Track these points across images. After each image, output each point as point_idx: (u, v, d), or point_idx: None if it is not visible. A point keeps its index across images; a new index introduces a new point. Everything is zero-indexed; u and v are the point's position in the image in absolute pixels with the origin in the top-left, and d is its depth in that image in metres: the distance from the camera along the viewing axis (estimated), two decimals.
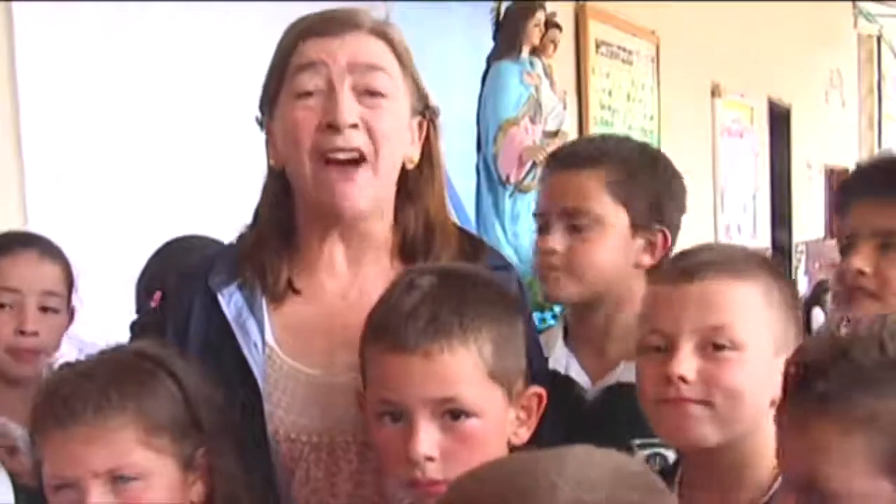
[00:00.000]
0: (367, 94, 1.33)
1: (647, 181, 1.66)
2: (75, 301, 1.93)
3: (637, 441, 1.51)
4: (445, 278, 1.29)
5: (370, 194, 1.34)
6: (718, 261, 1.32)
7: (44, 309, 1.85)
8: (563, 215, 1.64)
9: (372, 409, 1.26)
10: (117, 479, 1.22)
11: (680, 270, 1.33)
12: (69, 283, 1.91)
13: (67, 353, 1.97)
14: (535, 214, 1.72)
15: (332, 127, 1.30)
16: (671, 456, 1.59)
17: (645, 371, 1.33)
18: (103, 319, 2.26)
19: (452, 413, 1.22)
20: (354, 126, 1.31)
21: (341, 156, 1.31)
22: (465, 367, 1.23)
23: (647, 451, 1.55)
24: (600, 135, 1.91)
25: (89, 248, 2.47)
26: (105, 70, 2.56)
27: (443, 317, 1.23)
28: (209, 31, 2.83)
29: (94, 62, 2.53)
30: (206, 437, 1.29)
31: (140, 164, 2.63)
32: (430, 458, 1.21)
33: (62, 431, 1.23)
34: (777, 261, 1.41)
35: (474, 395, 1.23)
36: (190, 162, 2.74)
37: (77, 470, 1.22)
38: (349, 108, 1.31)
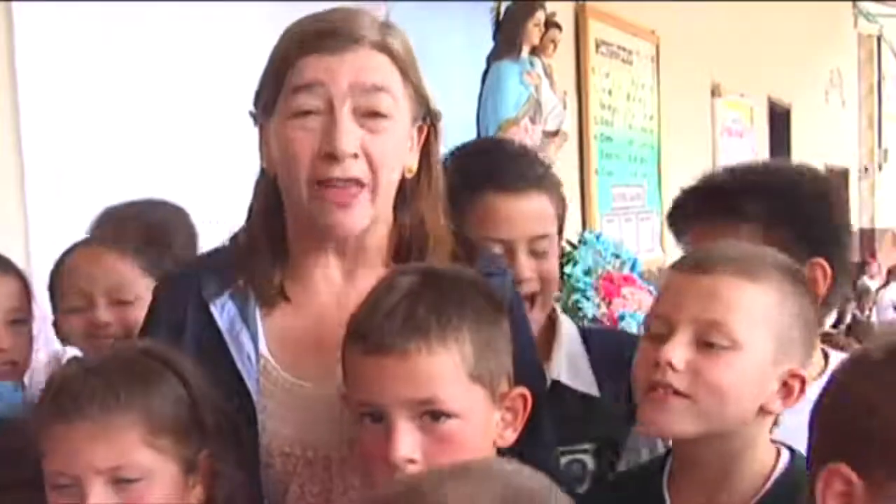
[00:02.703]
0: (369, 115, 1.29)
1: None
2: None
3: (561, 448, 1.53)
4: (426, 278, 1.27)
5: (366, 218, 1.31)
6: (736, 258, 1.31)
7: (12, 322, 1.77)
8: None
9: (353, 410, 1.24)
10: (119, 479, 1.21)
11: (695, 261, 1.34)
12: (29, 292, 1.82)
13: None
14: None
15: (331, 156, 1.27)
16: (589, 462, 1.63)
17: (641, 355, 1.33)
18: None
19: (432, 414, 1.20)
20: (354, 156, 1.27)
21: (339, 184, 1.28)
22: (444, 367, 1.21)
23: (566, 458, 1.59)
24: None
25: None
26: (105, 70, 2.56)
27: (420, 316, 1.21)
28: (209, 31, 2.83)
29: (94, 62, 2.53)
30: (209, 439, 1.28)
31: (140, 163, 2.62)
32: (411, 461, 1.19)
33: (66, 426, 1.22)
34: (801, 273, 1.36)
35: (454, 396, 1.21)
36: (190, 161, 2.74)
37: (79, 467, 1.21)
38: (349, 137, 1.27)
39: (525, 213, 1.65)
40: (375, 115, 1.29)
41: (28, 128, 2.40)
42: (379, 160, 1.29)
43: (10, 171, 2.37)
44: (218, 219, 1.96)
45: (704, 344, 1.27)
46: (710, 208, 1.60)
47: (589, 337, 1.77)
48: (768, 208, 1.56)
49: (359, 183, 1.29)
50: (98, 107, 2.54)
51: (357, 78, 1.28)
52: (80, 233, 2.35)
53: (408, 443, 1.19)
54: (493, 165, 1.66)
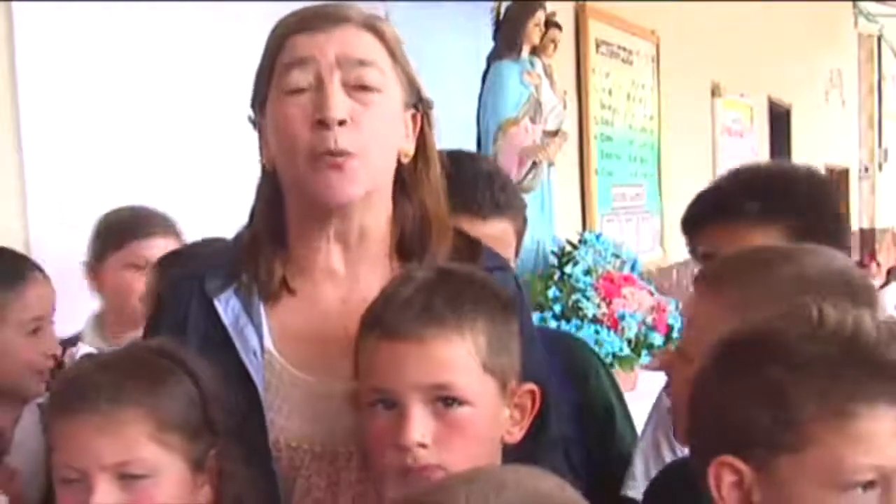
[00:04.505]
0: (358, 88, 1.30)
1: None
2: None
3: None
4: (442, 274, 1.29)
5: (361, 185, 1.31)
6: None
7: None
8: None
9: (364, 399, 1.25)
10: (126, 475, 1.21)
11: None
12: None
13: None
14: None
15: (323, 123, 1.28)
16: None
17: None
18: None
19: (445, 400, 1.22)
20: (343, 122, 1.28)
21: (331, 158, 1.29)
22: (459, 354, 1.23)
23: None
24: None
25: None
26: (105, 70, 2.56)
27: (437, 306, 1.23)
28: (208, 31, 2.83)
29: (94, 62, 2.53)
30: (219, 438, 1.28)
31: (140, 163, 2.63)
32: (423, 445, 1.20)
33: (75, 420, 1.22)
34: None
35: (467, 384, 1.23)
36: (190, 161, 2.74)
37: (86, 461, 1.21)
38: (339, 104, 1.28)
39: (488, 237, 1.67)
40: (364, 88, 1.30)
41: (28, 128, 2.40)
42: (369, 130, 1.30)
43: (10, 171, 2.37)
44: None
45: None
46: (715, 210, 1.62)
47: (541, 337, 1.80)
48: (771, 207, 1.57)
49: (350, 155, 1.29)
50: (98, 107, 2.54)
51: (344, 51, 1.30)
52: (80, 233, 2.36)
53: (420, 427, 1.20)
54: (464, 188, 1.68)
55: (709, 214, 1.65)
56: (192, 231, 2.26)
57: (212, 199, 2.66)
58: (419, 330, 1.22)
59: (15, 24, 2.37)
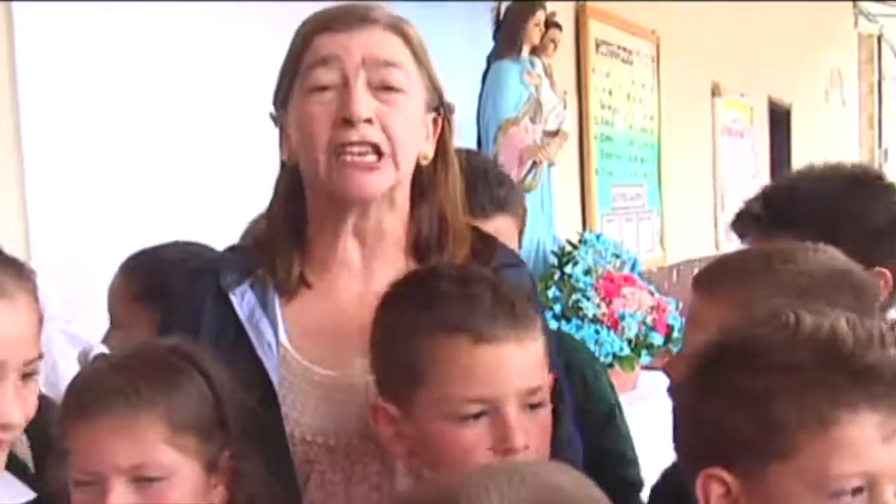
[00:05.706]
0: (382, 89, 1.31)
1: None
2: None
3: None
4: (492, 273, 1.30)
5: (387, 181, 1.32)
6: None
7: None
8: None
9: (448, 409, 1.20)
10: (140, 478, 1.21)
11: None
12: None
13: (66, 351, 1.97)
14: None
15: (347, 121, 1.29)
16: None
17: None
18: (103, 319, 2.26)
19: (532, 402, 1.23)
20: (369, 121, 1.29)
21: (356, 149, 1.30)
22: (539, 353, 1.25)
23: None
24: None
25: (89, 247, 2.47)
26: (105, 70, 2.56)
27: (520, 307, 1.24)
28: (210, 30, 2.83)
29: (94, 62, 2.53)
30: (232, 438, 1.28)
31: (140, 164, 2.63)
32: (527, 447, 1.20)
33: (90, 423, 1.22)
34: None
35: (545, 385, 1.25)
36: (190, 161, 2.74)
37: (101, 464, 1.21)
38: (364, 103, 1.29)
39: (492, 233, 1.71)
40: (389, 88, 1.32)
41: (28, 128, 2.40)
42: (394, 129, 1.31)
43: (10, 171, 2.37)
44: None
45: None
46: (762, 220, 1.63)
47: None
48: (815, 220, 1.58)
49: (377, 150, 1.30)
50: (98, 106, 2.54)
51: (370, 52, 1.32)
52: (81, 232, 2.35)
53: (523, 430, 1.20)
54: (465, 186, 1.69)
55: (758, 222, 1.70)
56: (191, 231, 2.25)
57: (211, 197, 2.66)
58: (516, 332, 1.22)
59: (15, 24, 2.37)
